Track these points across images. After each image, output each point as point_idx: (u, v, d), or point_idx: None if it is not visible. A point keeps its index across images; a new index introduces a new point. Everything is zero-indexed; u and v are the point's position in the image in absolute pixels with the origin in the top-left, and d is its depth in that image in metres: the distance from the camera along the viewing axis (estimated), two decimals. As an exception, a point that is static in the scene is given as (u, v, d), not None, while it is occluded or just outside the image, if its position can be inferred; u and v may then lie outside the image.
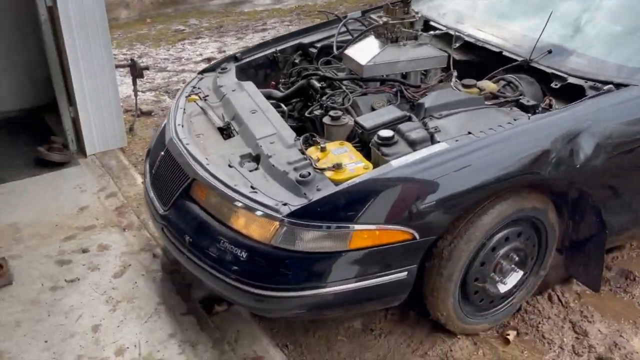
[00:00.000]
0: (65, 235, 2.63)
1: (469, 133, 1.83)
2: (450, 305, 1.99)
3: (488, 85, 2.17)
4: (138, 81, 3.71)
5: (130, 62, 3.61)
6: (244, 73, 2.59)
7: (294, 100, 2.42)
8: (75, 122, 3.31)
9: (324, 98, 2.22)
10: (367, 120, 2.00)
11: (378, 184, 1.72)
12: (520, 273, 2.09)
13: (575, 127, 1.86)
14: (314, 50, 2.67)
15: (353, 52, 2.34)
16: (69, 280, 2.36)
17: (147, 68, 3.82)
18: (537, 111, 2.00)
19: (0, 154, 3.32)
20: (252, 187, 1.78)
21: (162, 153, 2.16)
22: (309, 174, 1.76)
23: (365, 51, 2.30)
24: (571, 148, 1.84)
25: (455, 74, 2.26)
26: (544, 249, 2.14)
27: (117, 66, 3.40)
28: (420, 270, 1.86)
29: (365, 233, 1.70)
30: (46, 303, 2.24)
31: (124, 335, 2.09)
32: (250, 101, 2.23)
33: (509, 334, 2.15)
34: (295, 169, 1.80)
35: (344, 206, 1.69)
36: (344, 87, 2.26)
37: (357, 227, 1.68)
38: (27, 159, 3.26)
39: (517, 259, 2.05)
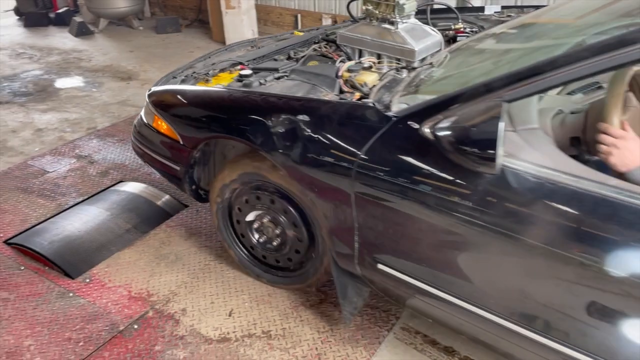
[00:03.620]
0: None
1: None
2: (226, 237, 2.29)
3: (368, 76, 2.01)
4: None
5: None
6: None
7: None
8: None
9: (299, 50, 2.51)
10: (265, 64, 2.33)
11: (174, 92, 2.17)
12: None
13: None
14: None
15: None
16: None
17: None
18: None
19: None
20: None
21: None
22: (192, 76, 2.29)
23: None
24: None
25: (370, 59, 2.21)
26: None
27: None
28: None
29: (159, 120, 2.20)
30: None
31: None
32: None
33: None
34: (206, 73, 2.30)
35: (159, 99, 2.21)
36: (320, 47, 2.48)
37: (155, 111, 2.20)
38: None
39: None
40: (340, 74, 2.04)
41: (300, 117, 1.72)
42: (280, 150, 1.75)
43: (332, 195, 1.68)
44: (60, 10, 6.89)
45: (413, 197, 1.48)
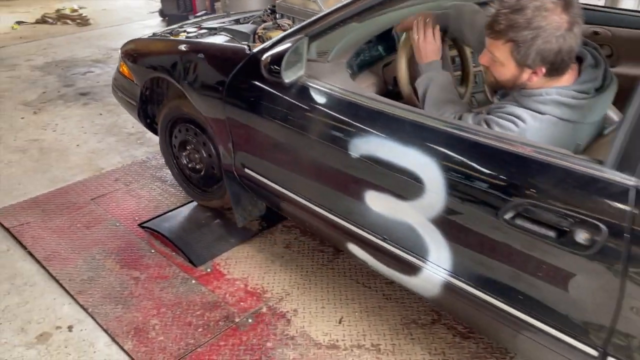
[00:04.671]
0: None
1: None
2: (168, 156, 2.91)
3: (276, 33, 2.52)
4: None
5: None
6: None
7: None
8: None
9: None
10: (213, 25, 2.85)
11: (134, 42, 2.86)
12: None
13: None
14: None
15: None
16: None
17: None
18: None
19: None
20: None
21: None
22: (159, 34, 2.90)
23: None
24: None
25: (287, 21, 2.78)
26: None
27: None
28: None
29: (123, 65, 2.84)
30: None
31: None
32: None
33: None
34: (170, 32, 2.88)
35: (126, 48, 2.84)
36: (263, 15, 3.03)
37: (121, 59, 2.85)
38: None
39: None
40: (257, 31, 2.58)
41: (199, 55, 2.27)
42: (187, 82, 2.31)
43: (215, 116, 2.24)
44: (198, 14, 7.40)
45: (255, 111, 2.04)
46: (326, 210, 1.93)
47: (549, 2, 1.39)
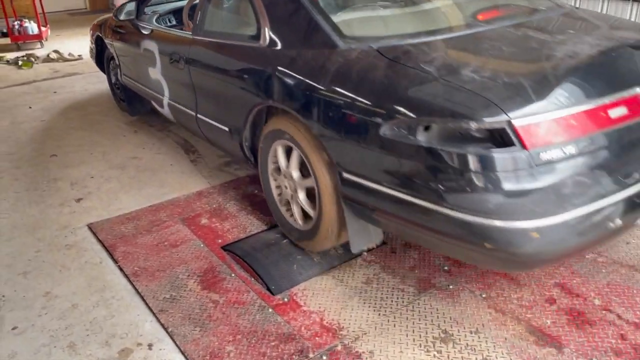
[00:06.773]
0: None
1: None
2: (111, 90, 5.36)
3: None
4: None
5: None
6: None
7: None
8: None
9: None
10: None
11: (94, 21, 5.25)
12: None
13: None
14: None
15: None
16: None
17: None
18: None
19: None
20: None
21: None
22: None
23: None
24: None
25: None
26: None
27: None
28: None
29: (91, 35, 5.26)
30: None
31: None
32: None
33: None
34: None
35: (92, 25, 5.32)
36: None
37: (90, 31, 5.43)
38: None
39: None
40: None
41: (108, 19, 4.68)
42: (103, 34, 4.60)
43: (112, 49, 4.52)
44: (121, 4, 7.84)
45: (119, 39, 4.27)
46: (145, 87, 3.94)
47: None
